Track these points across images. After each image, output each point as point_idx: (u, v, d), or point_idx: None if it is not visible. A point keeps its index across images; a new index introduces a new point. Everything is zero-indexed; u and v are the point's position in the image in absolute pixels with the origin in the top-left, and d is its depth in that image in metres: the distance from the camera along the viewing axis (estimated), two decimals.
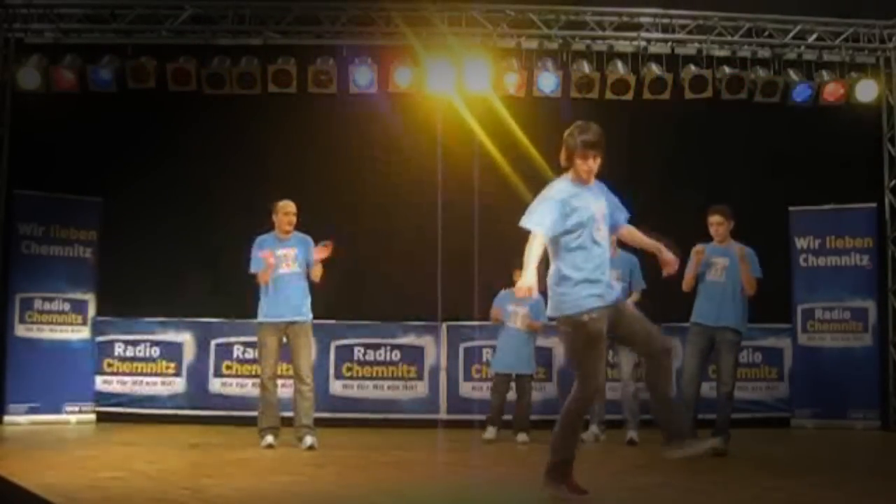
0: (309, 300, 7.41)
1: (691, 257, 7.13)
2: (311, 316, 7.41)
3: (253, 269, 7.39)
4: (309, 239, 7.46)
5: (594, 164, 4.89)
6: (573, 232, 4.86)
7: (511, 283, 8.30)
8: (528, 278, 4.82)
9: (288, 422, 7.38)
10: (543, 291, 4.98)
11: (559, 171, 5.12)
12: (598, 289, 4.85)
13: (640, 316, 5.12)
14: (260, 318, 7.40)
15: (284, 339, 7.35)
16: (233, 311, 9.47)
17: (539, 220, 4.87)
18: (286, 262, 7.35)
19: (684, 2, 9.70)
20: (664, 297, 7.82)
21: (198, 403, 9.46)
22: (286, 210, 7.41)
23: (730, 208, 7.30)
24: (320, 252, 7.30)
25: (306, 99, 9.60)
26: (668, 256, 5.18)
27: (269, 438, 7.24)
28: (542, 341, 9.23)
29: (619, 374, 8.20)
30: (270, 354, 7.31)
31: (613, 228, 5.14)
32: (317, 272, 7.36)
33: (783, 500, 5.05)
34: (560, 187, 4.93)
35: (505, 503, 5.15)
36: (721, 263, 7.16)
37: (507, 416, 8.25)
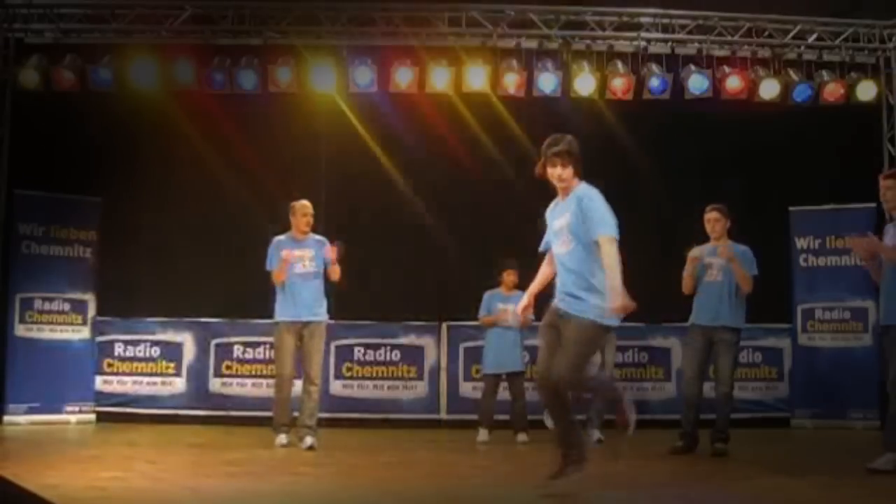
0: (325, 301, 7.50)
1: (687, 262, 7.16)
2: (326, 317, 7.50)
3: (269, 267, 7.45)
4: (324, 240, 7.55)
5: (562, 171, 5.04)
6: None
7: (497, 284, 8.32)
8: (622, 296, 4.86)
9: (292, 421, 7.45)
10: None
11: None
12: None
13: (568, 343, 5.04)
14: (276, 318, 7.45)
15: (299, 341, 7.40)
16: (233, 311, 9.49)
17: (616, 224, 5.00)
18: (302, 262, 7.41)
19: (684, 2, 9.69)
20: (665, 298, 7.84)
21: (198, 403, 9.46)
22: (304, 211, 7.48)
23: (727, 207, 7.32)
24: (329, 253, 7.40)
25: (306, 98, 9.60)
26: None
27: (283, 437, 7.32)
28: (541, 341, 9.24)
29: None
30: (287, 354, 7.38)
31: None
32: (335, 272, 7.44)
33: (783, 500, 5.06)
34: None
35: (505, 503, 5.15)
36: (717, 264, 7.18)
37: (504, 417, 8.25)
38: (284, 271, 7.32)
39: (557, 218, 5.11)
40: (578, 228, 4.97)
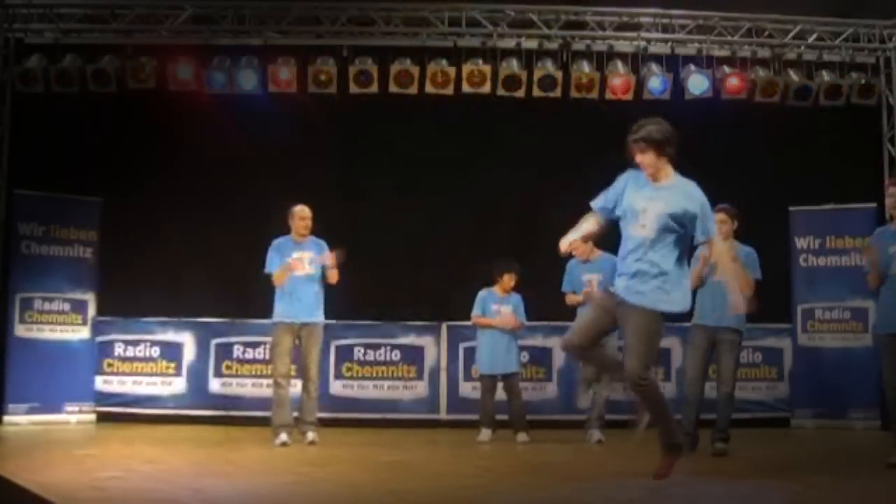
0: (322, 303, 7.67)
1: (699, 255, 7.11)
2: (323, 318, 7.67)
3: (268, 269, 7.59)
4: (323, 243, 7.69)
5: (642, 157, 5.16)
6: (621, 219, 5.16)
7: (492, 283, 8.31)
8: (568, 236, 5.19)
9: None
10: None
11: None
12: (621, 279, 5.15)
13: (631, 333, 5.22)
14: (275, 318, 7.60)
15: (297, 341, 7.56)
16: (233, 311, 9.49)
17: (598, 198, 5.23)
18: (301, 264, 7.57)
19: (684, 2, 9.70)
20: None
21: (198, 403, 9.46)
22: (302, 215, 7.66)
23: (734, 208, 7.30)
24: (327, 259, 7.55)
25: (306, 98, 9.60)
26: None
27: (284, 436, 7.37)
28: (541, 341, 9.25)
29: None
30: (284, 354, 7.53)
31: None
32: (332, 276, 7.59)
33: (783, 500, 5.05)
34: (628, 174, 5.22)
35: (504, 503, 5.15)
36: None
37: (504, 417, 8.25)
38: (284, 276, 7.48)
39: (648, 200, 5.11)
40: (677, 220, 5.09)
